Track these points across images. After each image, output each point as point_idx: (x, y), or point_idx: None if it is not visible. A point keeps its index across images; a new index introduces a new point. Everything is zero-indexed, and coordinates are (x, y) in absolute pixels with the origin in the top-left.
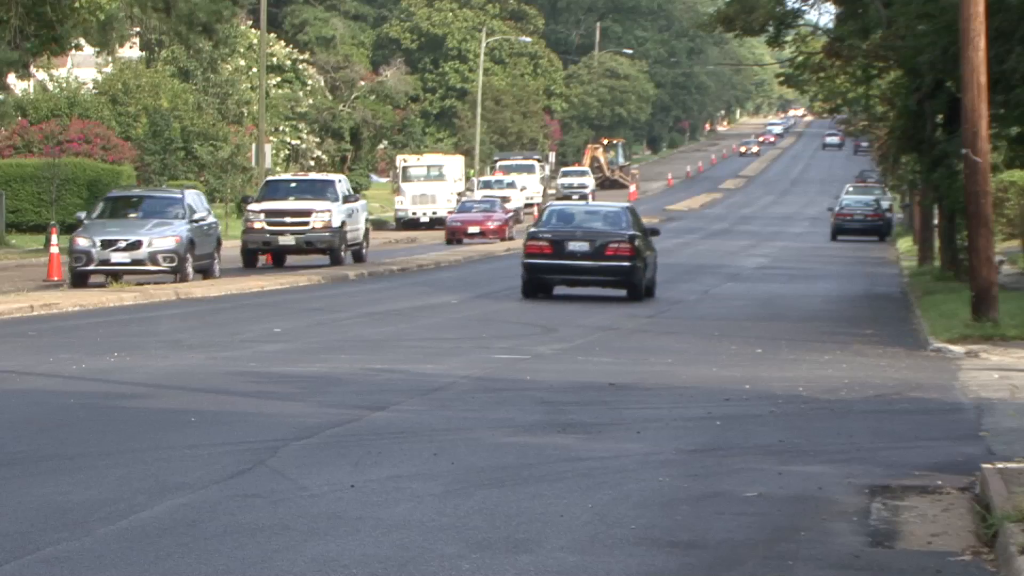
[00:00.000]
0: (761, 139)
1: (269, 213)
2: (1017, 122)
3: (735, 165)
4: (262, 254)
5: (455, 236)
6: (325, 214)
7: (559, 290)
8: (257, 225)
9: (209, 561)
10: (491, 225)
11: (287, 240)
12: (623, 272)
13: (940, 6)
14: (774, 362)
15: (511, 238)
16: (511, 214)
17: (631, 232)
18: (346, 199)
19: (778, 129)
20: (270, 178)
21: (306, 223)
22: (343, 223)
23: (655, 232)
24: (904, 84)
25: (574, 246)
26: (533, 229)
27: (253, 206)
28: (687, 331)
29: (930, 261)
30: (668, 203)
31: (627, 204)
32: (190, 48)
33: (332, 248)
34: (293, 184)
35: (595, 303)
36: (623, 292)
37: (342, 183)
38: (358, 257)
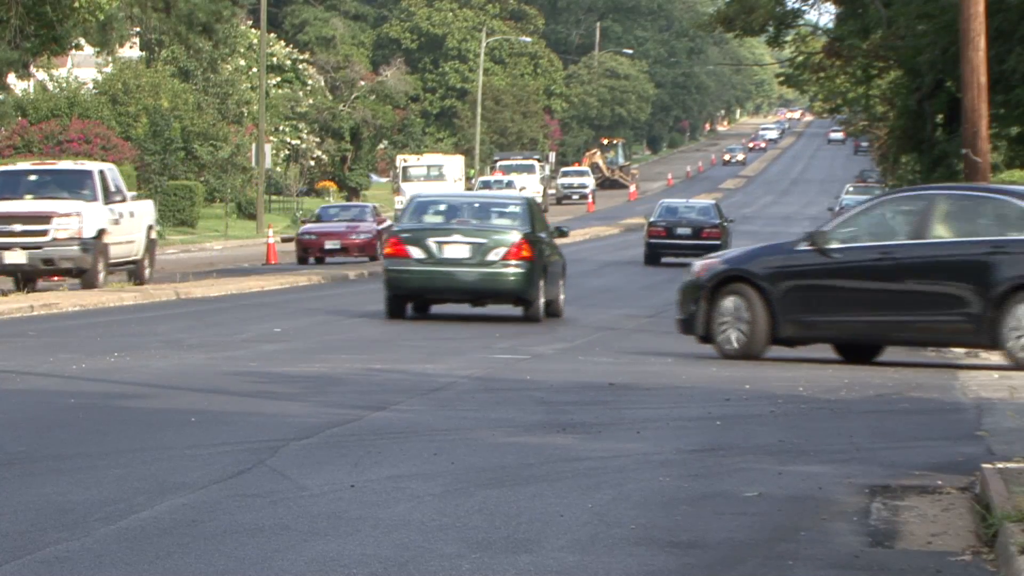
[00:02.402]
0: (751, 145)
1: None
2: (1017, 122)
3: (733, 167)
4: None
5: (308, 253)
6: (73, 219)
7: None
8: None
9: (209, 561)
10: (356, 239)
11: (16, 258)
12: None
13: (940, 6)
14: (774, 362)
15: None
16: (385, 224)
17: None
18: (110, 197)
19: (771, 133)
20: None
21: (44, 232)
22: (101, 232)
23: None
24: (904, 84)
25: (451, 251)
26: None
27: None
28: None
29: None
30: None
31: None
32: (190, 48)
33: (82, 268)
34: (33, 177)
35: (595, 304)
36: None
37: (109, 174)
38: (136, 278)
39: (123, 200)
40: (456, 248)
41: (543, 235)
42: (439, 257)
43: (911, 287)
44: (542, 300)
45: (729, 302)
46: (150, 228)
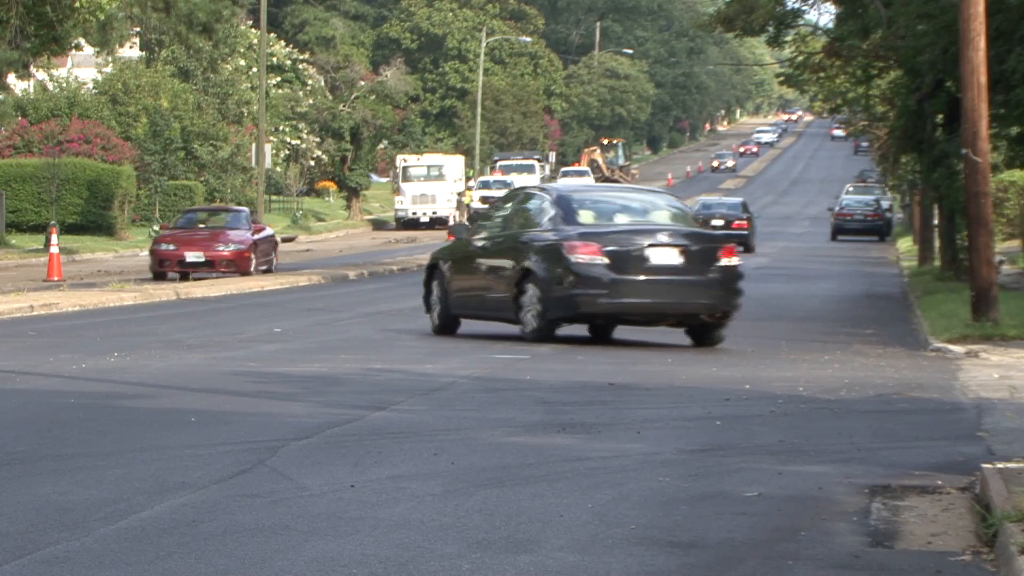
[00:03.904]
0: (743, 149)
1: None
2: (1017, 122)
3: (723, 173)
4: None
5: (165, 267)
6: None
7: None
8: None
9: (209, 561)
10: (223, 251)
11: None
12: None
13: (940, 6)
14: (774, 362)
15: (267, 269)
16: (265, 234)
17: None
18: None
19: (767, 137)
20: None
21: None
22: None
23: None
24: (904, 84)
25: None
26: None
27: None
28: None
29: (930, 261)
30: None
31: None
32: (190, 48)
33: None
34: None
35: None
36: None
37: None
38: None
39: None
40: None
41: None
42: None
43: (489, 271)
44: None
45: (435, 286)
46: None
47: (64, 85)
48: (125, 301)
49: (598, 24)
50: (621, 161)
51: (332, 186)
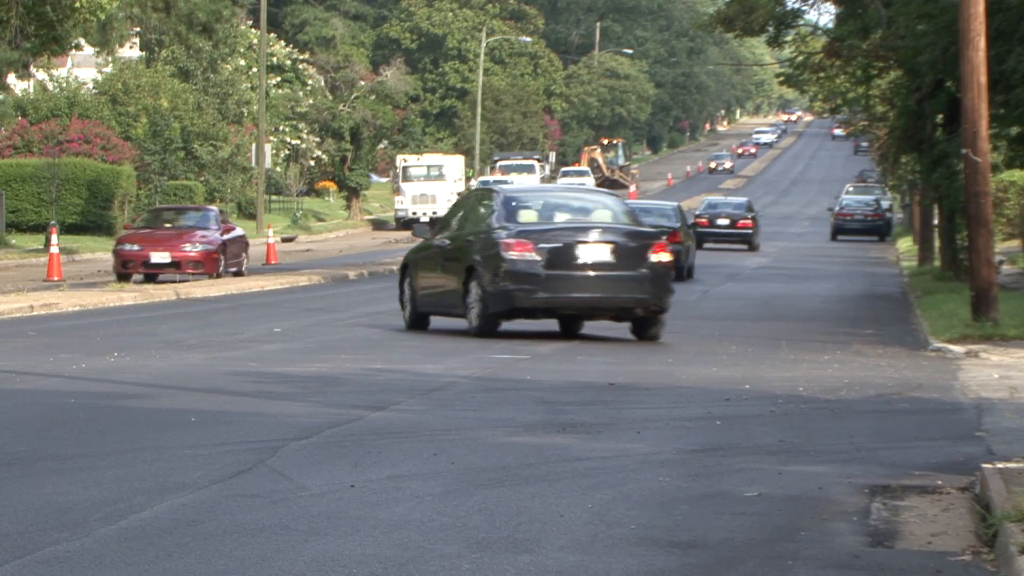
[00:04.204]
0: (741, 151)
1: None
2: (1017, 122)
3: (735, 166)
4: None
5: (130, 268)
6: None
7: None
8: None
9: (209, 561)
10: (191, 252)
11: None
12: None
13: (940, 6)
14: (774, 362)
15: (237, 272)
16: (235, 234)
17: None
18: None
19: (767, 137)
20: None
21: None
22: None
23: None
24: (904, 84)
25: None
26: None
27: None
28: (687, 331)
29: (930, 261)
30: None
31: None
32: (190, 48)
33: None
34: None
35: None
36: None
37: None
38: None
39: None
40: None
41: None
42: None
43: (444, 269)
44: None
45: (406, 284)
46: None
47: (64, 85)
48: (125, 301)
49: (598, 24)
50: (621, 161)
51: (332, 186)
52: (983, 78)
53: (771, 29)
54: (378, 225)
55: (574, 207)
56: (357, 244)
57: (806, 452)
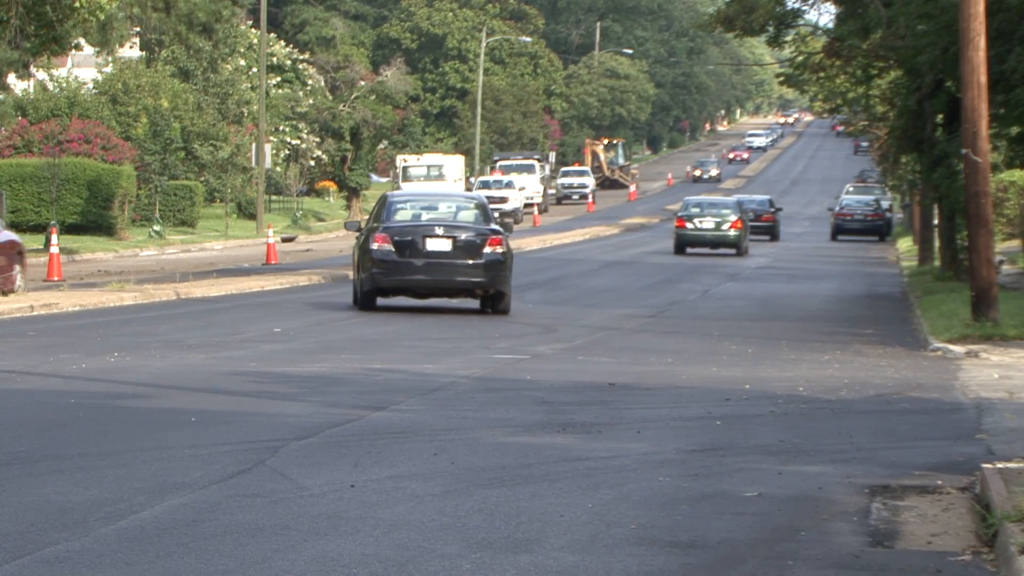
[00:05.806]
0: (732, 156)
1: None
2: (1017, 122)
3: (735, 166)
4: None
5: None
6: None
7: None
8: None
9: (209, 561)
10: None
11: None
12: None
13: (940, 6)
14: (774, 362)
15: (8, 290)
16: (15, 249)
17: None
18: None
19: (759, 140)
20: None
21: None
22: None
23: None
24: (904, 84)
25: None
26: None
27: None
28: (687, 331)
29: (930, 261)
30: (668, 203)
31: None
32: (190, 48)
33: None
34: None
35: (595, 303)
36: None
37: None
38: None
39: None
40: None
41: None
42: None
43: (357, 255)
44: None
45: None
46: None
47: (64, 85)
48: (125, 301)
49: (598, 24)
50: (621, 161)
51: (332, 186)
52: (983, 78)
53: (771, 29)
54: None
55: (437, 208)
56: None
57: (806, 452)
